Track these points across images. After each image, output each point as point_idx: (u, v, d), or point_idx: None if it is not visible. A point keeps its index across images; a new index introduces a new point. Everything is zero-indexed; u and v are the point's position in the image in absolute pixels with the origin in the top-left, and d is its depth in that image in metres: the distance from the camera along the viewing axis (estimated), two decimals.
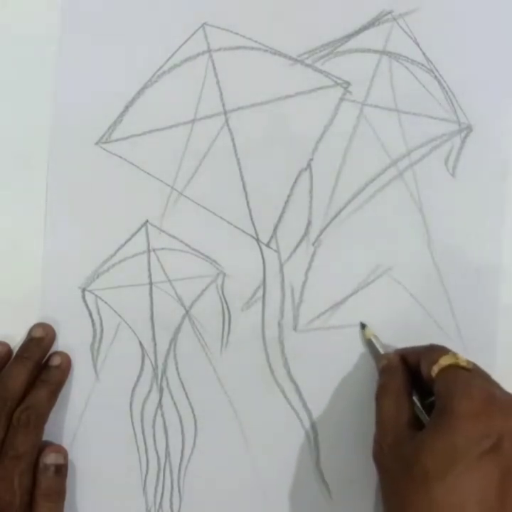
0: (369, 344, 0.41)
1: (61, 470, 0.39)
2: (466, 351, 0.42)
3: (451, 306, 0.42)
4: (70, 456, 0.40)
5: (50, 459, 0.39)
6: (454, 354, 0.37)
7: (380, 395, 0.39)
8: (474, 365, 0.37)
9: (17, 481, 0.37)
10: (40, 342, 0.41)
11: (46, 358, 0.41)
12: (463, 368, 0.36)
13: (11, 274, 0.42)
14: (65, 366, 0.41)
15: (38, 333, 0.41)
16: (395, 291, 0.42)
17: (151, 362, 0.42)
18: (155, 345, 0.42)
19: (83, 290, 0.42)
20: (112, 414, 0.41)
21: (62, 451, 0.39)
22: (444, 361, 0.36)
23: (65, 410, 0.41)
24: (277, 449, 0.41)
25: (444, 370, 0.36)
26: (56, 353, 0.41)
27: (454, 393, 0.34)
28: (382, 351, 0.41)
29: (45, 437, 0.40)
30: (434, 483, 0.32)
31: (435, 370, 0.36)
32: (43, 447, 0.39)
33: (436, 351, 0.38)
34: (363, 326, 0.42)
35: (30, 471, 0.38)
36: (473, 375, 0.36)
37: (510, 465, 0.33)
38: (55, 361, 0.41)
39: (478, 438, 0.33)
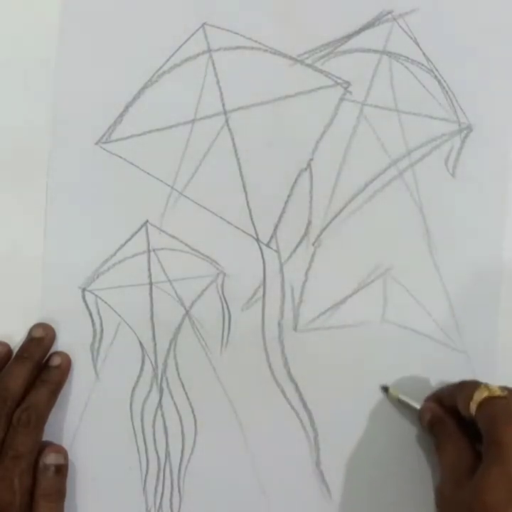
0: (400, 403, 0.41)
1: (61, 470, 0.39)
2: (466, 352, 0.42)
3: (451, 307, 0.42)
4: (69, 456, 0.40)
5: (50, 459, 0.39)
6: (486, 386, 0.37)
7: (440, 446, 0.38)
8: (509, 390, 0.37)
9: (17, 481, 0.37)
10: (40, 342, 0.41)
11: (46, 358, 0.41)
12: (498, 397, 0.36)
13: (12, 274, 0.42)
14: (65, 366, 0.41)
15: (38, 333, 0.41)
16: (394, 292, 0.42)
17: (151, 362, 0.42)
18: (155, 345, 0.42)
19: (83, 290, 0.42)
20: (112, 414, 0.41)
21: (62, 452, 0.39)
22: (479, 396, 0.36)
23: (65, 410, 0.41)
24: (277, 449, 0.41)
25: (482, 404, 0.36)
26: (56, 353, 0.41)
27: (497, 424, 0.35)
28: (418, 405, 0.41)
29: (45, 437, 0.40)
30: None
31: (473, 407, 0.36)
32: (43, 447, 0.39)
33: (468, 388, 0.38)
34: (385, 389, 0.41)
35: (31, 471, 0.38)
36: (511, 402, 0.36)
37: None
38: (55, 361, 0.41)
39: None
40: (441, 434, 0.39)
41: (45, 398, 0.39)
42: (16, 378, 0.39)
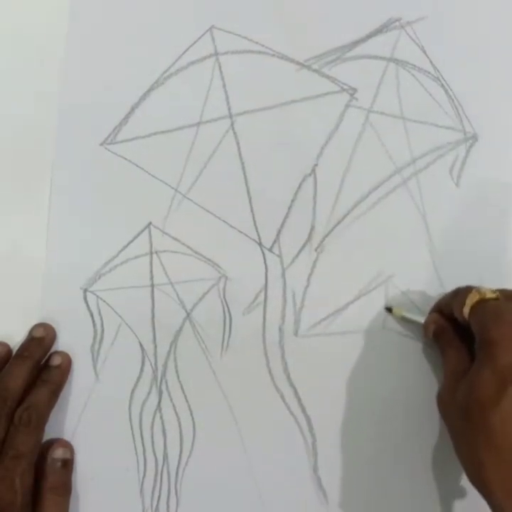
0: (404, 320, 0.42)
1: (68, 464, 0.40)
2: None
3: None
4: None
5: (58, 453, 0.39)
6: (478, 289, 0.37)
7: (443, 354, 0.39)
8: (501, 292, 0.37)
9: (18, 481, 0.37)
10: (40, 342, 0.41)
11: (46, 357, 0.41)
12: (489, 299, 0.37)
13: (13, 273, 0.42)
14: (66, 366, 0.41)
15: (39, 333, 0.41)
16: (396, 299, 0.42)
17: (151, 364, 0.42)
18: (155, 347, 0.42)
19: (85, 291, 0.42)
20: (111, 416, 0.41)
21: (68, 446, 0.40)
22: (471, 300, 0.37)
23: (65, 410, 0.41)
24: (275, 454, 0.41)
25: (474, 307, 0.37)
26: (56, 352, 0.41)
27: (487, 325, 0.35)
28: (421, 320, 0.41)
29: (45, 437, 0.39)
30: (491, 412, 0.33)
31: (466, 311, 0.37)
32: (48, 445, 0.39)
33: (461, 294, 0.38)
34: (389, 309, 0.42)
35: (32, 470, 0.38)
36: (501, 303, 0.37)
37: None
38: (56, 361, 0.41)
39: None
40: (444, 343, 0.40)
41: (45, 398, 0.39)
42: (15, 378, 0.39)
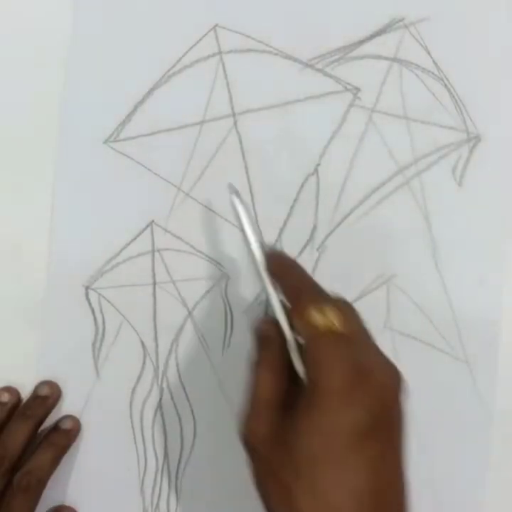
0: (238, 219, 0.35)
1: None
2: (468, 361, 0.42)
3: (454, 316, 0.42)
4: (68, 454, 0.40)
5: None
6: (322, 309, 0.31)
7: (258, 368, 0.32)
8: (350, 324, 0.31)
9: None
10: (44, 400, 0.40)
11: (58, 419, 0.40)
12: (333, 332, 0.30)
13: (16, 271, 0.42)
14: (75, 431, 0.40)
15: (44, 392, 0.40)
16: (397, 299, 0.42)
17: (152, 362, 0.42)
18: (157, 345, 0.42)
19: (87, 288, 0.42)
20: (112, 413, 0.41)
21: None
22: (311, 323, 0.31)
23: (65, 408, 0.41)
24: None
25: (315, 336, 0.31)
26: (68, 416, 0.40)
27: (322, 364, 0.30)
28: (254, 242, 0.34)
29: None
30: (320, 465, 0.29)
31: (300, 327, 0.31)
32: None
33: (302, 304, 0.32)
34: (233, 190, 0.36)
35: None
36: (345, 343, 0.30)
37: (392, 437, 0.30)
38: (67, 425, 0.40)
39: (355, 416, 0.29)
40: (267, 356, 0.32)
41: (48, 463, 0.38)
42: (15, 437, 0.38)
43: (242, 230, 0.35)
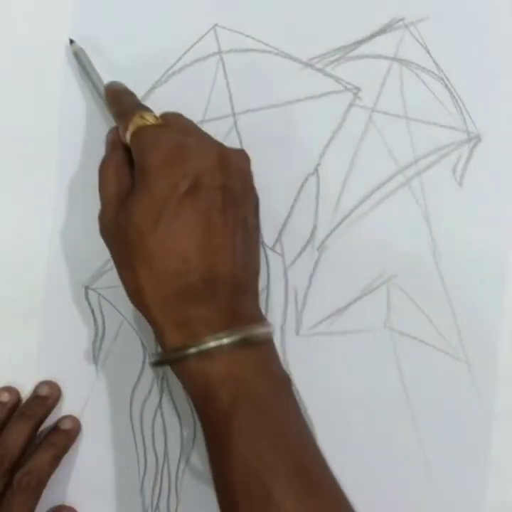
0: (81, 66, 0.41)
1: None
2: (468, 361, 0.42)
3: (454, 315, 0.42)
4: (68, 454, 0.40)
5: None
6: (142, 115, 0.36)
7: (105, 167, 0.37)
8: (164, 117, 0.37)
9: None
10: (44, 400, 0.40)
11: (56, 420, 0.40)
12: (151, 125, 0.36)
13: (15, 271, 0.42)
14: (75, 432, 0.40)
15: (44, 392, 0.40)
16: (398, 299, 0.42)
17: None
18: (157, 345, 0.41)
19: (86, 288, 0.42)
20: (112, 413, 0.41)
21: None
22: (134, 125, 0.36)
23: (65, 408, 0.41)
24: None
25: (136, 133, 0.36)
26: (68, 417, 0.40)
27: (145, 152, 0.35)
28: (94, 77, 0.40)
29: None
30: (148, 236, 0.33)
31: (128, 137, 0.36)
32: None
33: (125, 117, 0.37)
34: (71, 41, 0.41)
35: None
36: (163, 129, 0.36)
37: (214, 198, 0.34)
38: (66, 425, 0.40)
39: (173, 183, 0.33)
40: (112, 158, 0.37)
41: (48, 463, 0.38)
42: (15, 437, 0.38)
43: (87, 75, 0.40)
